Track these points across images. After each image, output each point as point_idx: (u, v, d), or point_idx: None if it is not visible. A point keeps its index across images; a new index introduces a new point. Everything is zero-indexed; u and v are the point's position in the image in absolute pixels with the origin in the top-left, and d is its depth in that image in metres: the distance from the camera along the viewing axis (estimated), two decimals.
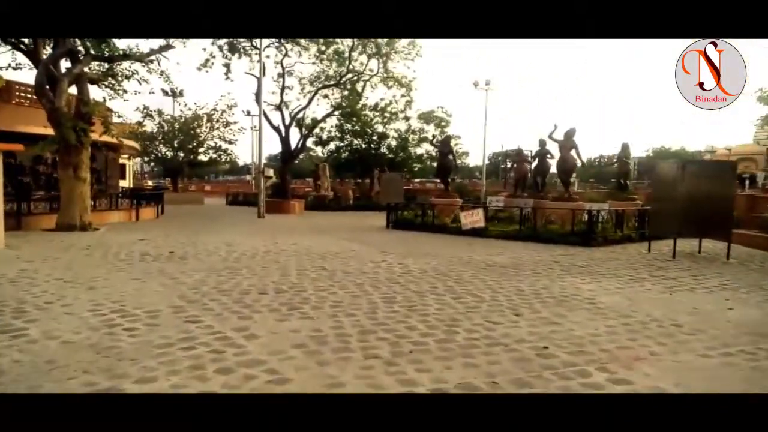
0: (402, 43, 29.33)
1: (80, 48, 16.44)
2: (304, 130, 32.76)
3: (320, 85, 31.48)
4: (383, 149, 40.14)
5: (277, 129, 30.24)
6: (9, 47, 17.41)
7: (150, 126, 39.78)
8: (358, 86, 32.43)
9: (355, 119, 36.82)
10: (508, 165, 37.01)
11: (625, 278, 9.27)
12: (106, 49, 16.77)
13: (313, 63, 30.75)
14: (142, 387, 4.18)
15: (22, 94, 21.72)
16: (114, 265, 9.90)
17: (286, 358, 4.90)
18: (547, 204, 18.14)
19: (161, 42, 18.00)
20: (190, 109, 40.94)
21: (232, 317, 6.29)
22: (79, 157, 16.19)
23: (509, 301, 7.36)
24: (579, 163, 18.98)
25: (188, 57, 51.78)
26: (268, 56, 28.71)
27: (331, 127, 39.00)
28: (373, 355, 5.02)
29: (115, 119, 21.15)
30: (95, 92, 17.97)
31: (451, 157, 21.60)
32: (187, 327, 5.84)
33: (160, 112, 40.00)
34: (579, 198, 19.28)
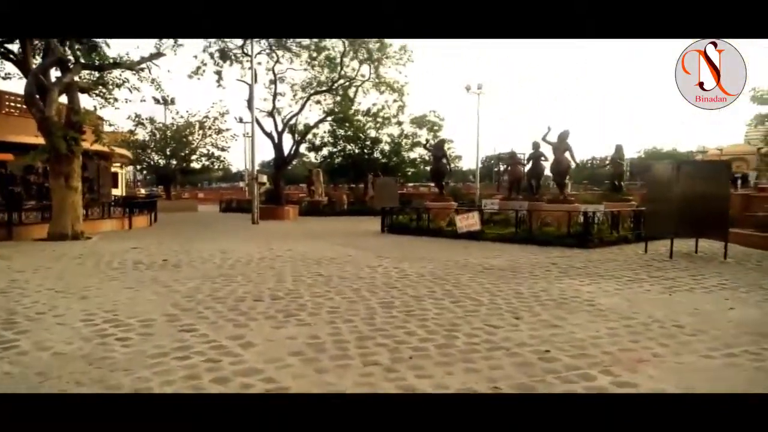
0: (393, 48, 29.40)
1: (70, 57, 16.32)
2: (296, 136, 32.74)
3: (312, 91, 31.49)
4: (376, 154, 40.19)
5: (269, 135, 30.20)
6: None
7: (142, 134, 39.73)
8: (350, 92, 32.48)
9: (347, 125, 36.84)
10: (502, 168, 37.10)
11: (624, 279, 9.21)
12: (96, 58, 16.68)
13: (305, 69, 30.82)
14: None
15: (12, 104, 21.59)
16: (106, 274, 9.77)
17: (283, 366, 4.79)
18: (543, 206, 18.12)
19: (152, 50, 17.94)
20: (182, 117, 40.88)
21: (227, 325, 6.18)
22: (70, 166, 16.04)
23: (508, 304, 7.28)
24: (573, 165, 19.00)
25: (179, 65, 51.42)
26: (259, 63, 28.75)
27: (324, 132, 39.09)
28: (373, 361, 4.92)
29: (106, 128, 21.00)
30: (86, 101, 17.85)
31: (444, 161, 21.64)
32: (181, 336, 5.72)
33: (152, 120, 39.95)
34: (574, 200, 19.25)
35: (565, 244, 14.01)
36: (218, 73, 27.83)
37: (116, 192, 35.00)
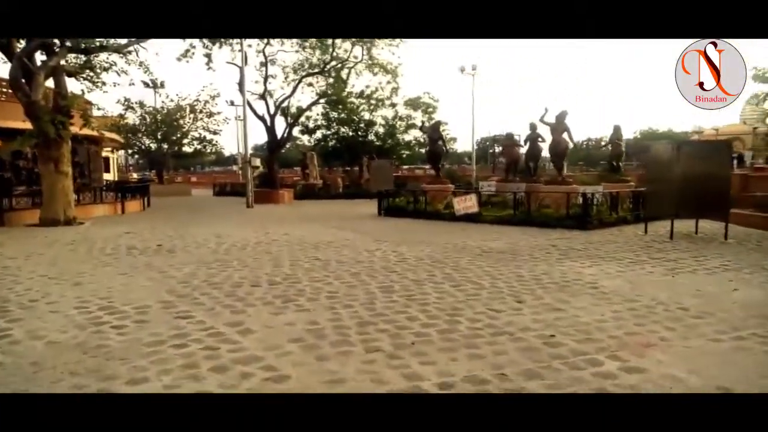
0: None
1: (55, 40, 15.94)
2: (289, 118, 32.29)
3: (304, 73, 31.03)
4: (371, 136, 39.76)
5: (262, 118, 29.80)
6: None
7: (132, 118, 39.16)
8: (343, 73, 32.01)
9: (341, 107, 36.36)
10: (497, 150, 36.91)
11: (625, 261, 9.12)
12: (82, 41, 16.31)
13: (296, 51, 30.31)
14: (133, 388, 3.95)
15: None
16: (100, 260, 9.60)
17: (283, 354, 4.68)
18: (541, 188, 17.99)
19: None
20: (172, 101, 40.28)
21: (224, 312, 6.05)
22: (59, 151, 15.80)
23: (510, 287, 7.17)
24: (571, 145, 18.87)
25: (168, 48, 50.72)
26: (249, 45, 28.17)
27: (317, 115, 38.56)
28: (375, 348, 4.81)
29: (95, 112, 20.67)
30: (73, 85, 17.54)
31: (440, 143, 21.46)
32: (177, 323, 5.59)
33: (141, 104, 39.28)
34: (572, 181, 19.15)
35: (565, 225, 13.91)
36: (207, 56, 27.25)
37: (108, 176, 34.63)
